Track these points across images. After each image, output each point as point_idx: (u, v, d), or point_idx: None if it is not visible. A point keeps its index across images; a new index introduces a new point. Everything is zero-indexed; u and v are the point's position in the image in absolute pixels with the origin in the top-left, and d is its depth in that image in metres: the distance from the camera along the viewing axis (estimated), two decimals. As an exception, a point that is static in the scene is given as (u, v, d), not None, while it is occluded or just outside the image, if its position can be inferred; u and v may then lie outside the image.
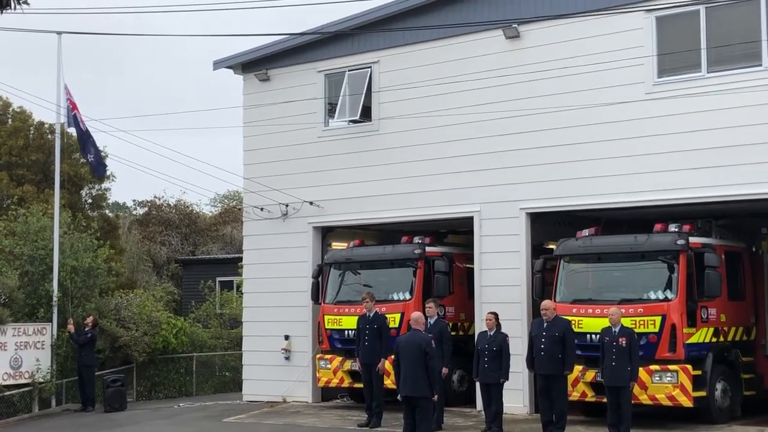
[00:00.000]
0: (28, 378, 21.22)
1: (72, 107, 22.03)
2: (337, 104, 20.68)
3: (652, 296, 15.63)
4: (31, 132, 33.84)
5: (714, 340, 15.90)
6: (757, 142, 15.68)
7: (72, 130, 23.09)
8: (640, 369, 14.69)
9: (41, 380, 21.33)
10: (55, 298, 22.03)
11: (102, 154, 22.65)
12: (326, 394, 20.62)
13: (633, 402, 14.60)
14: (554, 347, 14.82)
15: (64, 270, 22.53)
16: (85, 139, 22.39)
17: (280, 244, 21.15)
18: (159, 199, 44.25)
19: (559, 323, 15.06)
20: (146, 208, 45.32)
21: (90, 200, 35.01)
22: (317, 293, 19.70)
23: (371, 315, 17.18)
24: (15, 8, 6.14)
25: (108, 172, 34.58)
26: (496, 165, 18.32)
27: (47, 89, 22.58)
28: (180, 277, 39.18)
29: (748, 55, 16.07)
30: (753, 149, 15.71)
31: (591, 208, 17.60)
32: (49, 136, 31.46)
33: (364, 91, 20.16)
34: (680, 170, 16.37)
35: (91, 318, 21.90)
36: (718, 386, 15.85)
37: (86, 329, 21.67)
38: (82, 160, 34.01)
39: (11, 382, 21.01)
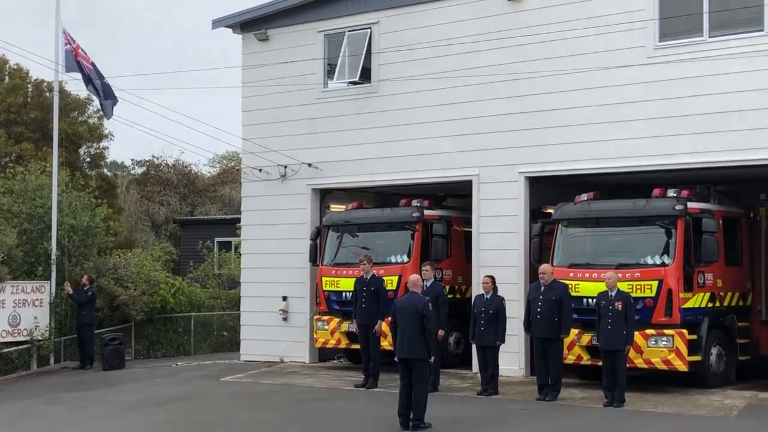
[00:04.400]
0: (27, 335, 21.32)
1: (74, 52, 21.81)
2: (336, 65, 20.56)
3: (649, 261, 15.66)
4: (30, 90, 33.75)
5: (710, 305, 15.96)
6: (758, 108, 15.63)
7: (77, 76, 22.66)
8: (636, 333, 14.76)
9: (40, 338, 21.42)
10: (53, 257, 22.07)
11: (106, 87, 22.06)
12: (323, 355, 20.72)
13: (628, 366, 14.69)
14: (551, 311, 14.90)
15: (62, 229, 22.55)
16: (92, 77, 22.05)
17: (278, 205, 21.14)
18: (157, 159, 44.30)
19: (557, 287, 15.11)
20: (145, 168, 45.35)
21: (88, 159, 35.00)
22: (315, 255, 19.73)
23: (368, 277, 17.20)
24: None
25: (106, 131, 34.68)
26: (495, 128, 18.27)
27: (46, 46, 22.46)
28: (178, 237, 39.27)
29: (750, 20, 15.98)
30: (753, 115, 15.67)
31: (590, 172, 17.57)
32: (48, 94, 31.39)
33: (364, 53, 20.04)
34: (680, 135, 16.33)
35: (85, 277, 21.95)
36: (714, 351, 15.93)
37: (85, 288, 21.73)
38: (80, 119, 34.02)
39: (9, 339, 21.12)
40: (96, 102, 33.47)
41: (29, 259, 22.72)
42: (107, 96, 22.05)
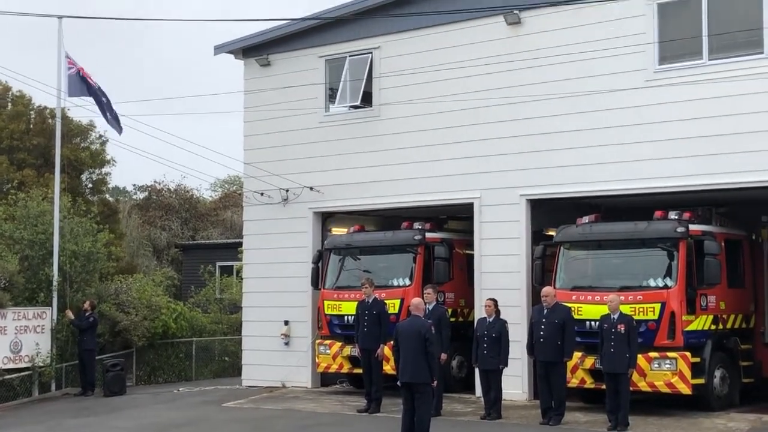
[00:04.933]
0: (28, 362, 21.26)
1: (81, 72, 21.92)
2: (337, 90, 20.64)
3: (652, 283, 15.64)
4: (32, 116, 33.85)
5: (713, 327, 15.92)
6: (758, 130, 15.65)
7: (80, 101, 22.81)
8: (639, 356, 14.72)
9: (41, 364, 21.37)
10: (55, 283, 22.05)
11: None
12: (325, 379, 20.66)
13: (632, 389, 14.64)
14: (554, 334, 14.87)
15: (64, 254, 22.54)
16: (98, 98, 22.15)
17: (280, 229, 21.15)
18: (159, 184, 44.32)
19: (559, 310, 15.09)
20: (146, 193, 45.37)
21: (90, 185, 35.05)
22: (317, 279, 19.71)
23: (370, 301, 17.19)
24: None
25: (108, 157, 34.78)
26: (496, 151, 18.30)
27: (49, 73, 22.55)
28: (180, 261, 39.23)
29: (750, 43, 16.03)
30: (754, 137, 15.68)
31: (591, 195, 17.59)
32: (50, 121, 31.46)
33: (365, 77, 20.12)
34: (681, 158, 16.35)
35: (88, 302, 21.93)
36: (717, 374, 15.88)
37: (87, 314, 21.70)
38: (82, 145, 34.11)
39: (11, 366, 21.05)
40: (98, 128, 33.77)
41: (31, 286, 22.70)
42: (114, 115, 22.17)
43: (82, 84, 22.06)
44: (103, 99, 22.03)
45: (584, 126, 17.32)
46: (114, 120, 22.16)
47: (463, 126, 18.72)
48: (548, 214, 18.32)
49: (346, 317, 18.68)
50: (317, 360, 19.63)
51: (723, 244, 16.15)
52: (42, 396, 21.48)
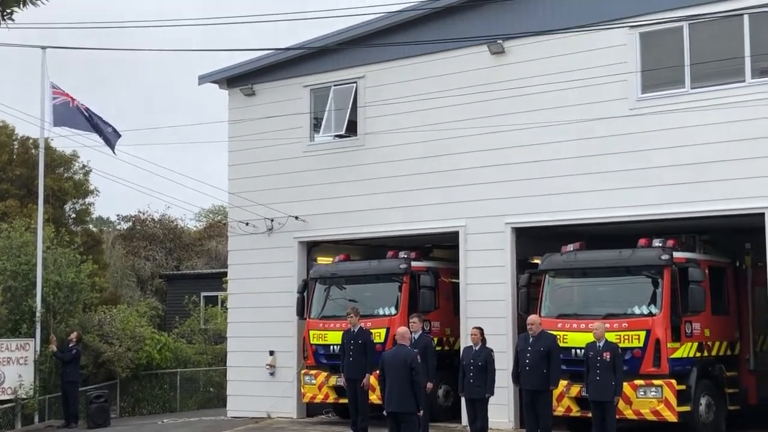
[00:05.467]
0: (11, 394, 21.07)
1: (69, 98, 21.92)
2: (322, 119, 20.69)
3: (637, 311, 15.66)
4: (15, 147, 33.77)
5: (698, 354, 15.93)
6: (741, 158, 15.75)
7: (63, 131, 22.84)
8: (625, 384, 14.71)
9: (24, 396, 21.18)
10: (38, 314, 21.90)
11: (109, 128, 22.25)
12: (311, 409, 20.54)
13: (618, 417, 14.62)
14: (540, 362, 14.83)
15: (47, 285, 22.41)
16: (93, 121, 22.14)
17: (265, 258, 21.09)
18: (143, 214, 44.17)
19: (545, 338, 15.06)
20: (130, 223, 45.20)
21: (73, 215, 34.91)
22: (302, 308, 19.65)
23: (356, 330, 17.13)
24: (-1, 25, 6.13)
25: (92, 187, 34.69)
26: (481, 180, 18.36)
27: (32, 104, 22.53)
28: (164, 292, 39.08)
29: (732, 72, 16.16)
30: (736, 165, 15.78)
31: (576, 223, 17.64)
32: (33, 151, 31.39)
33: (350, 106, 20.17)
34: (664, 185, 16.43)
35: (74, 334, 21.80)
36: (703, 401, 15.86)
37: (70, 345, 21.56)
38: (66, 175, 34.02)
39: (-6, 398, 20.89)
40: (82, 158, 33.72)
41: (14, 317, 22.55)
42: (110, 133, 22.13)
43: (71, 113, 22.03)
44: (94, 118, 21.98)
45: (569, 154, 17.39)
46: (107, 137, 22.09)
47: (448, 154, 18.77)
48: (533, 243, 18.34)
49: (331, 347, 18.60)
50: (303, 390, 19.52)
51: (707, 271, 16.20)
52: (25, 428, 21.29)
